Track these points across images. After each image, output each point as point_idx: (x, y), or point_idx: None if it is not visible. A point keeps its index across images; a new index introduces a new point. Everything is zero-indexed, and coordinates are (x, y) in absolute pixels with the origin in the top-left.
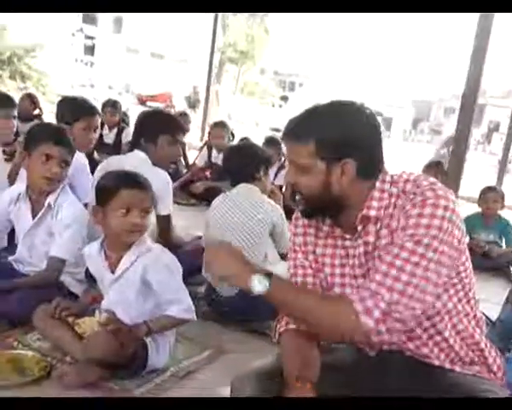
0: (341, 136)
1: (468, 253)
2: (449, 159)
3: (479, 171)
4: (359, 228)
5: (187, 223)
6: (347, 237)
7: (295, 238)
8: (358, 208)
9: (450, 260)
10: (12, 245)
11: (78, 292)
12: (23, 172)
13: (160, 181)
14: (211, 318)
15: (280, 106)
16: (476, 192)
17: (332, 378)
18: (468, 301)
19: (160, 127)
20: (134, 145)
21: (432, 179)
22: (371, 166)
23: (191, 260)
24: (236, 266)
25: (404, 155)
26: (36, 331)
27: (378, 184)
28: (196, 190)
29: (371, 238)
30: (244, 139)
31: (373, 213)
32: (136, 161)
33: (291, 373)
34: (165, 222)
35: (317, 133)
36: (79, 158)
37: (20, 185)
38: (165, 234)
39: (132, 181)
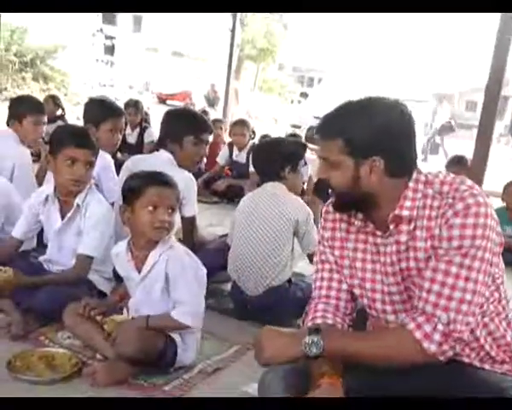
0: (369, 134)
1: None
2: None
3: (502, 164)
4: (391, 227)
5: (209, 221)
6: (379, 233)
7: (324, 232)
8: (391, 206)
9: (493, 266)
10: (41, 246)
11: (106, 290)
12: (50, 174)
13: (185, 182)
14: (236, 315)
15: (299, 102)
16: (499, 186)
17: (362, 374)
18: (500, 301)
19: (184, 128)
20: (160, 145)
21: (469, 182)
22: (402, 164)
23: (215, 259)
24: (283, 342)
25: (426, 149)
26: (66, 329)
27: (412, 183)
28: (218, 188)
29: (403, 238)
30: (265, 137)
31: (406, 213)
32: (161, 162)
33: (317, 368)
34: (189, 224)
35: (346, 130)
36: (105, 158)
37: (48, 187)
38: (189, 235)
39: (159, 179)
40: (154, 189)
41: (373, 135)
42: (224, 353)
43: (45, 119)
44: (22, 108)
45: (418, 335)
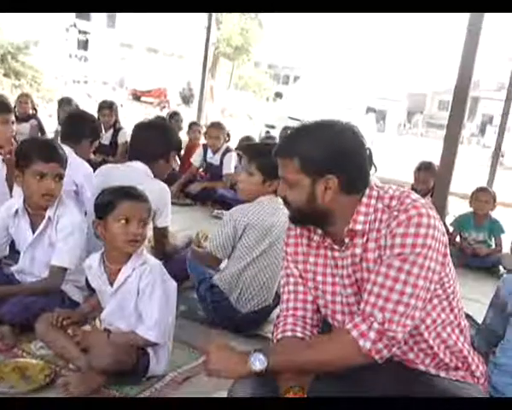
0: (323, 153)
1: (451, 264)
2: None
3: (472, 165)
4: (346, 241)
5: (182, 224)
6: (336, 247)
7: (287, 248)
8: (346, 221)
9: (435, 274)
10: (13, 252)
11: (78, 300)
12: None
13: (160, 194)
14: (207, 323)
15: (274, 100)
16: (469, 188)
17: (323, 384)
18: (452, 310)
19: (171, 144)
20: (132, 157)
21: (414, 196)
22: (355, 181)
23: (184, 266)
24: (231, 360)
25: (398, 148)
26: (39, 340)
27: (364, 198)
28: (192, 192)
29: (358, 250)
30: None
31: (359, 227)
32: (137, 173)
33: (284, 382)
34: (161, 234)
35: (302, 150)
36: (84, 166)
37: (17, 200)
38: (160, 245)
39: (131, 194)
40: (126, 203)
41: (327, 154)
42: (195, 361)
43: (13, 117)
44: None
45: (355, 333)
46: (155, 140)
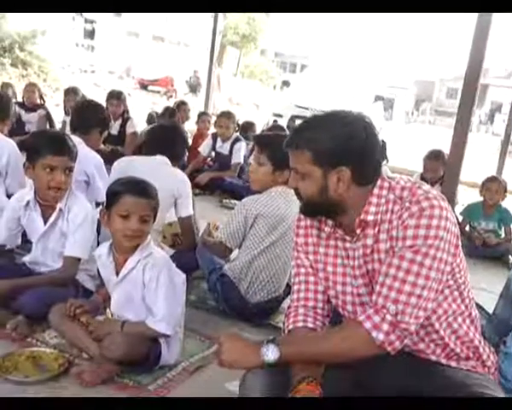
0: (335, 145)
1: (462, 254)
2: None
3: (481, 153)
4: (358, 231)
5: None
6: (347, 238)
7: (297, 239)
8: (357, 212)
9: (447, 265)
10: (25, 242)
11: (91, 288)
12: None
13: (179, 183)
14: (218, 312)
15: (281, 88)
16: (478, 177)
17: (335, 375)
18: (463, 300)
19: (177, 144)
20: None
21: (426, 187)
22: (367, 173)
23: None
24: (243, 351)
25: (406, 136)
26: (52, 329)
27: (376, 189)
28: (201, 182)
29: (369, 241)
30: (249, 125)
31: (370, 218)
32: (157, 164)
33: (297, 373)
34: (186, 224)
35: (314, 142)
36: (95, 157)
37: (29, 192)
38: (189, 235)
39: (135, 188)
40: (129, 197)
41: (339, 146)
42: (206, 350)
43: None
44: None
45: (368, 325)
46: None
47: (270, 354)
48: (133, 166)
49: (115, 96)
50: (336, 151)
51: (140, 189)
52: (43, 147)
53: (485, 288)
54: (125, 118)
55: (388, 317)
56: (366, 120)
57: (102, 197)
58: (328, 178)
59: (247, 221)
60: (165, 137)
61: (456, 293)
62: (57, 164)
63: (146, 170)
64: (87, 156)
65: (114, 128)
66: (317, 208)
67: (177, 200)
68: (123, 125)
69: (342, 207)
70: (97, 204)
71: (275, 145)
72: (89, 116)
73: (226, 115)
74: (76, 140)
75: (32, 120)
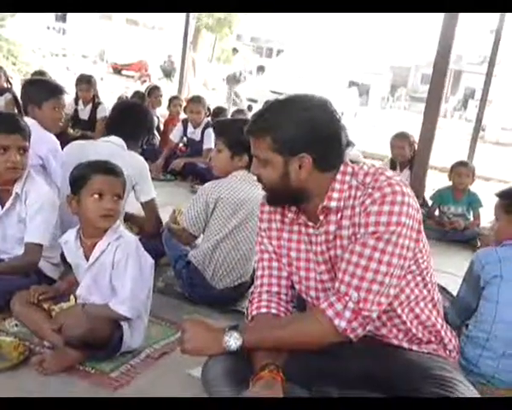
0: (296, 131)
1: (425, 239)
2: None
3: (454, 138)
4: (321, 218)
5: (163, 199)
6: (310, 224)
7: (261, 224)
8: (320, 199)
9: (409, 251)
10: None
11: (54, 276)
12: None
13: (136, 166)
14: (184, 299)
15: (257, 74)
16: (450, 162)
17: (299, 362)
18: (426, 285)
19: (138, 124)
20: (110, 132)
21: (389, 173)
22: (330, 159)
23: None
24: (206, 338)
25: (382, 122)
26: (14, 317)
27: (339, 175)
28: (176, 168)
29: (332, 228)
30: (219, 110)
31: (333, 204)
32: (112, 147)
33: (259, 359)
34: (148, 209)
35: (273, 129)
36: (52, 140)
37: None
38: (152, 219)
39: (104, 167)
40: (100, 177)
41: (300, 132)
42: (171, 337)
43: None
44: None
45: (330, 313)
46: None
47: (233, 341)
48: (86, 150)
49: (85, 81)
50: (297, 138)
51: (108, 167)
52: None
53: (452, 272)
54: (95, 103)
55: (351, 304)
56: (328, 105)
57: (61, 181)
58: (290, 164)
59: (207, 206)
60: (126, 114)
61: (418, 278)
62: (9, 143)
63: (100, 155)
64: (40, 138)
65: (85, 113)
66: (279, 196)
67: (135, 186)
68: (93, 110)
69: (305, 194)
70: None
71: (230, 131)
72: (25, 93)
73: (197, 100)
74: (29, 121)
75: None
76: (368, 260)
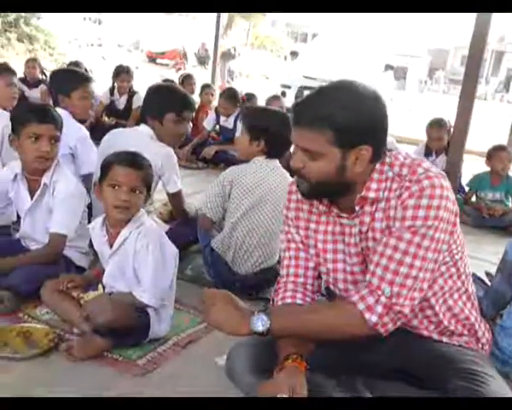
0: (359, 123)
1: (459, 230)
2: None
3: (495, 121)
4: (357, 208)
5: (195, 187)
6: (344, 215)
7: (288, 212)
8: (359, 189)
9: (444, 244)
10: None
11: (84, 265)
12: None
13: (163, 158)
14: (212, 286)
15: (291, 59)
16: (488, 146)
17: (326, 352)
18: (459, 277)
19: (165, 105)
20: (141, 120)
21: (426, 165)
22: (382, 149)
23: (189, 231)
24: (233, 317)
25: (419, 105)
26: (44, 305)
27: (378, 165)
28: (207, 155)
29: (367, 219)
30: (251, 97)
31: (372, 194)
32: (140, 137)
33: (284, 350)
34: (176, 200)
35: (334, 121)
36: (81, 129)
37: (16, 165)
38: (179, 210)
39: (124, 159)
40: (118, 168)
41: (361, 124)
42: (198, 325)
43: (14, 79)
44: None
45: (361, 306)
46: (150, 100)
47: (260, 323)
48: (118, 139)
49: (125, 71)
50: (358, 130)
51: (129, 159)
52: (28, 116)
53: (488, 259)
54: (131, 92)
55: (383, 299)
56: (376, 92)
57: (87, 170)
58: (348, 157)
59: (224, 189)
60: (151, 94)
61: (452, 269)
62: (42, 132)
63: (128, 144)
64: (69, 129)
65: (121, 103)
66: (326, 189)
67: (161, 177)
68: (129, 100)
69: (353, 186)
70: (83, 178)
71: (250, 116)
72: (54, 82)
73: (227, 97)
74: (60, 112)
75: (34, 96)
76: (403, 254)
